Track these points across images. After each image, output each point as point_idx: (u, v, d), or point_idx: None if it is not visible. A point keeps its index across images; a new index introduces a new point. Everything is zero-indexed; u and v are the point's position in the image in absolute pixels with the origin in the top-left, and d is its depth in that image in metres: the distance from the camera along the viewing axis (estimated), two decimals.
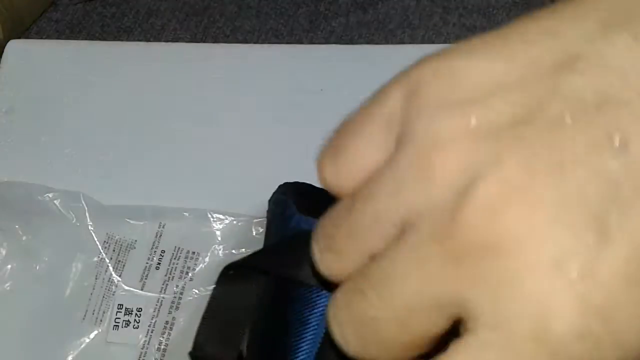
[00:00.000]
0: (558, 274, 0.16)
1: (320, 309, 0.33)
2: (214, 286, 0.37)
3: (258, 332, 0.38)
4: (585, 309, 0.16)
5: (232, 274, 0.37)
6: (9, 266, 0.56)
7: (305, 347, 0.33)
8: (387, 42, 0.92)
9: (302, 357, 0.33)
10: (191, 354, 0.37)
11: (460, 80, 0.18)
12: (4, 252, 0.56)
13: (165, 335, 0.54)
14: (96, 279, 0.56)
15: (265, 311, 0.38)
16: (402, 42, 0.91)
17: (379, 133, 0.20)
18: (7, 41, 0.72)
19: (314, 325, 0.33)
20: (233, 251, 0.56)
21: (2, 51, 0.71)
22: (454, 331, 0.19)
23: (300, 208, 0.37)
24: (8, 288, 0.55)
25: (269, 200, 0.42)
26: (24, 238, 0.56)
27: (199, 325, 0.37)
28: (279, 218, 0.39)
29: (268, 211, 0.41)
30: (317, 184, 0.23)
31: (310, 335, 0.33)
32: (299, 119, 0.65)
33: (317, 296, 0.33)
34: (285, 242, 0.35)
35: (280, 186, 0.42)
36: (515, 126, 0.17)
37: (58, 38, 0.78)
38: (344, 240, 0.20)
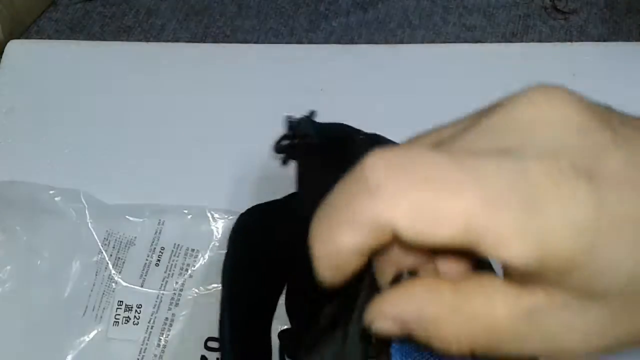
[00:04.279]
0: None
1: None
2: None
3: None
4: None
5: None
6: (9, 266, 0.56)
7: None
8: (387, 42, 0.92)
9: None
10: None
11: None
12: (4, 252, 0.56)
13: (165, 332, 0.54)
14: (96, 276, 0.56)
15: None
16: (402, 42, 0.91)
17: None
18: (7, 41, 0.72)
19: None
20: None
21: (2, 51, 0.71)
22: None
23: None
24: (8, 288, 0.55)
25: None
26: (24, 238, 0.57)
27: None
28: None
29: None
30: None
31: None
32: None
33: None
34: None
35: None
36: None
37: (58, 38, 0.78)
38: None
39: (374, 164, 0.22)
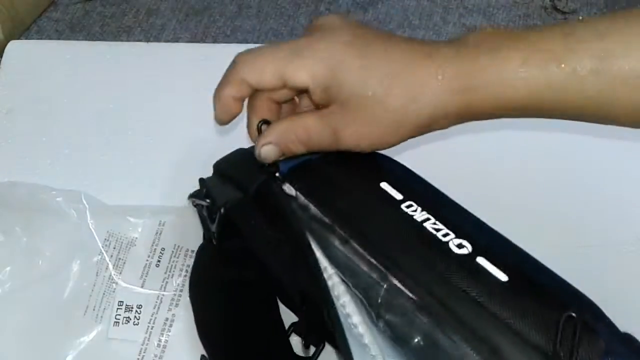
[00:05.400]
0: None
1: None
2: None
3: None
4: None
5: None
6: (9, 267, 0.56)
7: None
8: None
9: None
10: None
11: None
12: (4, 253, 0.56)
13: (165, 332, 0.54)
14: (97, 276, 0.56)
15: None
16: None
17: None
18: (8, 40, 0.72)
19: None
20: None
21: (3, 51, 0.71)
22: None
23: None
24: (8, 288, 0.55)
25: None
26: (24, 239, 0.57)
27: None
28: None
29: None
30: None
31: None
32: None
33: None
34: None
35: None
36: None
37: (58, 37, 0.78)
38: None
39: (238, 57, 0.44)
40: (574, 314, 0.33)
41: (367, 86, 0.40)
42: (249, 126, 0.46)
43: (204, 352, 0.52)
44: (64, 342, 0.53)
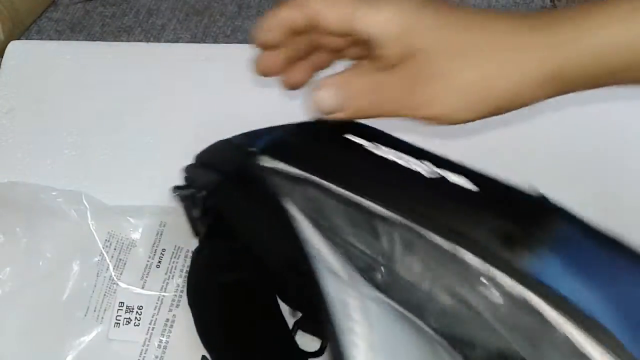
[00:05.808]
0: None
1: None
2: None
3: None
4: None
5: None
6: (9, 268, 0.56)
7: None
8: None
9: None
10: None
11: None
12: (4, 254, 0.56)
13: (165, 333, 0.54)
14: (97, 277, 0.56)
15: None
16: None
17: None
18: (8, 40, 0.72)
19: None
20: None
21: (3, 52, 0.71)
22: None
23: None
24: (8, 289, 0.55)
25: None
26: (24, 240, 0.57)
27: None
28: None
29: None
30: None
31: None
32: (299, 118, 0.65)
33: None
34: None
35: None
36: None
37: (58, 37, 0.78)
38: None
39: None
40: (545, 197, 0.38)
41: (445, 38, 0.36)
42: (268, 21, 0.40)
43: (204, 353, 0.52)
44: (64, 342, 0.53)
